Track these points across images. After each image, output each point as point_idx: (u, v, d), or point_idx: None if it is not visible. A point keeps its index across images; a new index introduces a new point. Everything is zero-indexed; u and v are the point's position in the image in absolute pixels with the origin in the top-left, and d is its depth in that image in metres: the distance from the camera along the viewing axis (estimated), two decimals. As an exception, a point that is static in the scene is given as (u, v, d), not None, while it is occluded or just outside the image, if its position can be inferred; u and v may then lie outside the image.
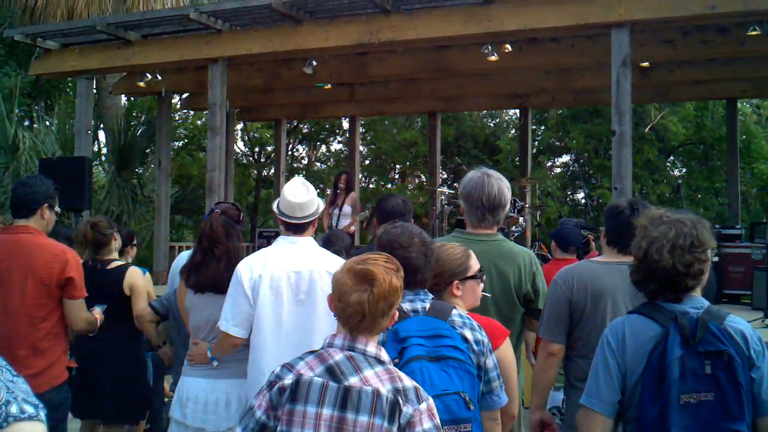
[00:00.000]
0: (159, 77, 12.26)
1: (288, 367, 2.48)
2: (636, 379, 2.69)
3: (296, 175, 4.42)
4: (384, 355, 2.49)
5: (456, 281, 3.21)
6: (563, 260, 6.33)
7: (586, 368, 3.56)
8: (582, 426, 2.80)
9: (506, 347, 3.23)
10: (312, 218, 3.93)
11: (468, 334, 2.90)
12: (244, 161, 25.91)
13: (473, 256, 3.30)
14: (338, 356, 2.43)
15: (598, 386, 2.75)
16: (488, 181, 3.88)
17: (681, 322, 2.64)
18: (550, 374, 3.81)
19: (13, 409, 1.78)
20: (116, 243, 5.50)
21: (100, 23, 11.06)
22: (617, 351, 2.75)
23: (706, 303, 2.77)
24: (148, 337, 5.27)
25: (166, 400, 6.14)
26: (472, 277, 3.26)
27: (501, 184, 3.91)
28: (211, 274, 4.10)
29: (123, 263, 5.44)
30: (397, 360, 2.65)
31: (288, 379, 2.43)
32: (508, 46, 10.25)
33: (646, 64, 11.60)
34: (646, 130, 20.72)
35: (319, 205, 3.97)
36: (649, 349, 2.66)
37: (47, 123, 16.93)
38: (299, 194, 3.89)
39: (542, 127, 24.25)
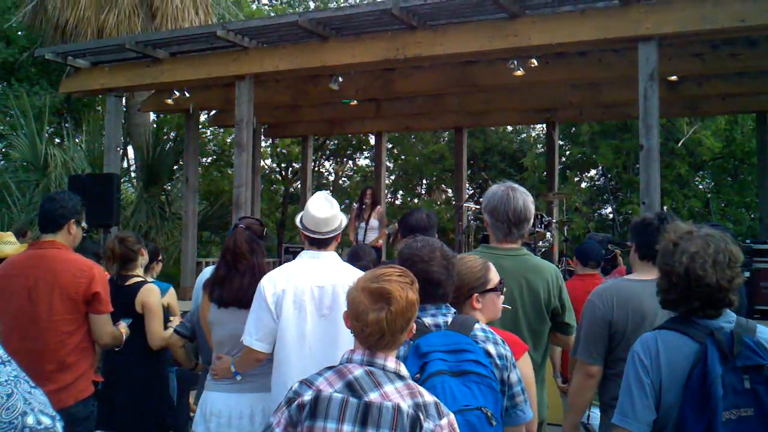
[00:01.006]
0: (187, 94, 12.38)
1: (306, 383, 2.46)
2: (672, 397, 2.63)
3: (322, 191, 4.43)
4: (403, 370, 2.47)
5: (476, 294, 3.19)
6: (585, 275, 6.28)
7: None
8: None
9: (524, 362, 3.19)
10: (336, 233, 3.94)
11: (491, 348, 2.87)
12: (273, 177, 26.04)
13: (492, 268, 3.28)
14: (357, 372, 2.41)
15: (632, 405, 2.68)
16: (513, 195, 3.88)
17: (717, 337, 2.60)
18: (588, 396, 3.75)
19: (30, 420, 1.78)
20: (143, 259, 5.53)
21: (129, 42, 11.19)
22: (651, 368, 2.69)
23: (735, 316, 2.72)
24: (180, 362, 5.26)
25: (191, 414, 6.15)
26: (492, 290, 3.23)
27: (526, 198, 3.90)
28: (235, 289, 4.10)
29: (141, 280, 5.39)
30: (418, 375, 2.63)
31: (307, 396, 2.40)
32: (534, 61, 10.22)
33: (674, 77, 11.50)
34: (679, 144, 20.55)
35: (342, 219, 3.98)
36: (686, 366, 2.61)
37: (77, 140, 17.14)
38: (323, 209, 3.90)
39: (569, 143, 24.14)
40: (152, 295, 5.27)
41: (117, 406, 5.16)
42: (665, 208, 18.13)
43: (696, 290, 2.65)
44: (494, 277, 3.25)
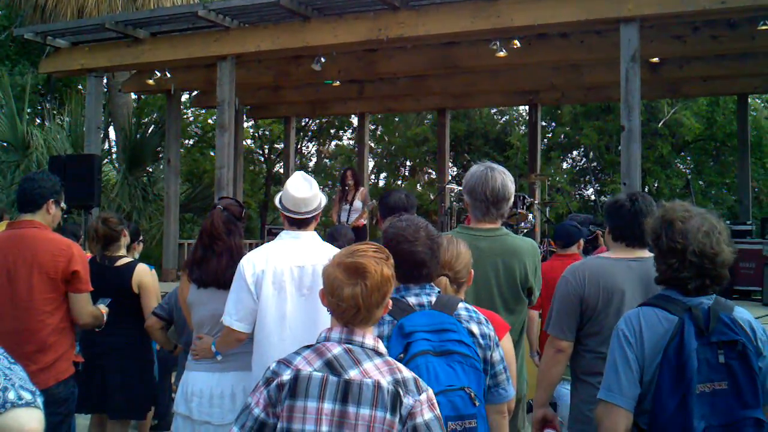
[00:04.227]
0: (168, 75, 12.29)
1: (285, 362, 2.45)
2: (652, 371, 2.68)
3: (302, 171, 4.43)
4: (381, 347, 2.47)
5: (471, 273, 3.24)
6: (564, 256, 6.32)
7: (593, 363, 3.57)
8: (604, 421, 2.75)
9: (506, 341, 3.23)
10: (315, 213, 3.93)
11: (474, 328, 2.88)
12: (254, 158, 25.95)
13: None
14: (336, 350, 2.41)
15: (618, 380, 2.72)
16: (492, 175, 3.88)
17: (695, 313, 2.64)
18: (557, 371, 3.77)
19: (11, 395, 1.79)
20: (125, 239, 5.51)
21: (109, 21, 11.09)
22: (636, 344, 2.73)
23: (714, 295, 2.77)
24: (159, 343, 5.28)
25: (173, 395, 6.16)
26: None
27: (504, 178, 3.90)
28: (213, 270, 4.10)
29: (131, 260, 5.43)
30: (402, 355, 2.64)
31: (286, 375, 2.40)
32: (517, 42, 10.22)
33: (656, 59, 11.55)
34: (659, 125, 20.64)
35: (322, 199, 3.98)
36: (664, 341, 2.66)
37: (58, 121, 16.99)
38: (302, 189, 3.89)
39: (553, 124, 24.20)
40: (148, 275, 5.32)
41: (109, 388, 5.15)
42: (646, 188, 18.25)
43: (707, 267, 2.69)
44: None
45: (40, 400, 1.85)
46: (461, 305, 2.94)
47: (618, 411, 2.71)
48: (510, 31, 9.57)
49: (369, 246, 2.52)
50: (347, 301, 2.39)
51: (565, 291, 3.70)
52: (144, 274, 5.29)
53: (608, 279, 3.59)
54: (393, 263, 2.51)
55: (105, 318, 4.62)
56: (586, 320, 3.64)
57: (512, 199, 4.02)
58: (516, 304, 3.84)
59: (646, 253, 3.61)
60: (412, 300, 2.89)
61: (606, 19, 8.67)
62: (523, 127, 23.94)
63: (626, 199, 3.73)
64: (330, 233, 5.46)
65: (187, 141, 23.64)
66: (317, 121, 25.59)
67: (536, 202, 12.61)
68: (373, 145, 25.41)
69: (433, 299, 2.91)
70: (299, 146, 25.98)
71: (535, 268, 3.91)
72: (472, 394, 2.66)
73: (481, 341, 2.87)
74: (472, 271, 3.26)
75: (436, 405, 2.40)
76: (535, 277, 3.91)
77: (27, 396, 1.82)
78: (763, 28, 9.20)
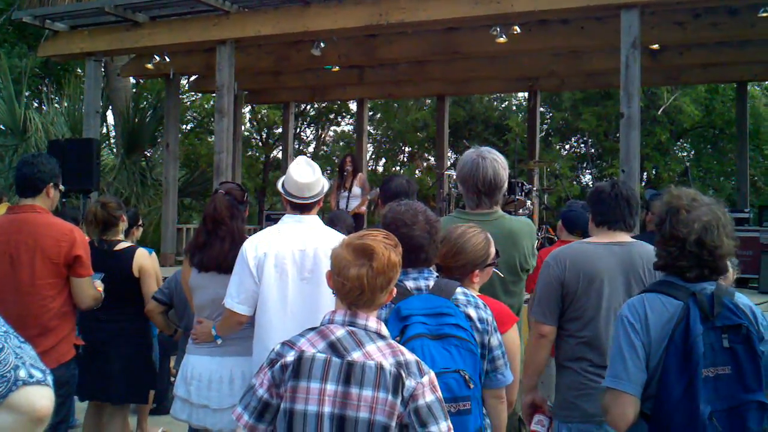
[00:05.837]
0: (167, 59, 12.24)
1: (289, 344, 2.48)
2: (658, 357, 2.69)
3: (304, 156, 4.44)
4: (384, 330, 2.49)
5: (477, 270, 3.23)
6: (569, 242, 6.29)
7: (576, 348, 3.63)
8: (612, 409, 2.74)
9: (513, 333, 3.24)
10: (318, 198, 3.95)
11: (472, 312, 2.90)
12: (252, 143, 25.89)
13: (492, 242, 3.30)
14: (339, 332, 2.43)
15: (625, 367, 2.71)
16: (483, 165, 3.86)
17: (699, 298, 2.66)
18: (542, 355, 3.82)
19: (22, 373, 1.80)
20: (123, 224, 5.50)
21: (108, 5, 11.02)
22: (641, 331, 2.72)
23: (716, 281, 2.78)
24: (160, 328, 5.29)
25: (172, 379, 6.17)
26: (491, 264, 3.29)
27: (496, 166, 3.89)
28: (215, 254, 4.12)
29: (131, 244, 5.41)
30: (398, 338, 2.65)
31: (290, 357, 2.42)
32: (518, 28, 10.19)
33: (656, 46, 11.52)
34: (659, 112, 20.62)
35: (324, 184, 3.99)
36: (669, 327, 2.67)
37: (57, 105, 16.95)
38: (305, 174, 3.90)
39: (552, 110, 24.15)
40: (148, 259, 5.31)
41: (110, 374, 5.14)
42: (644, 174, 18.24)
43: (705, 259, 2.70)
44: (493, 250, 3.29)
45: (50, 379, 1.87)
46: (459, 290, 2.96)
47: (626, 398, 2.70)
48: (510, 17, 9.54)
49: (379, 232, 2.55)
50: (352, 281, 2.42)
51: (547, 276, 3.76)
52: (144, 258, 5.28)
53: (589, 264, 3.66)
54: (401, 252, 2.53)
55: (102, 295, 4.60)
56: (567, 304, 3.70)
57: (505, 187, 4.01)
58: (515, 286, 3.87)
59: (628, 237, 3.71)
60: (409, 284, 2.91)
61: (607, 5, 8.65)
62: (521, 114, 23.89)
63: (607, 185, 3.84)
64: (330, 218, 5.48)
65: (184, 126, 23.59)
66: (315, 106, 25.51)
67: (534, 188, 12.62)
68: (372, 130, 25.37)
69: (431, 283, 2.94)
70: (297, 131, 25.92)
71: (532, 247, 3.94)
72: (467, 377, 2.68)
73: (478, 325, 2.89)
74: (478, 273, 3.23)
75: (437, 387, 2.43)
76: (532, 256, 3.94)
77: (38, 374, 1.84)
78: (764, 15, 9.17)
